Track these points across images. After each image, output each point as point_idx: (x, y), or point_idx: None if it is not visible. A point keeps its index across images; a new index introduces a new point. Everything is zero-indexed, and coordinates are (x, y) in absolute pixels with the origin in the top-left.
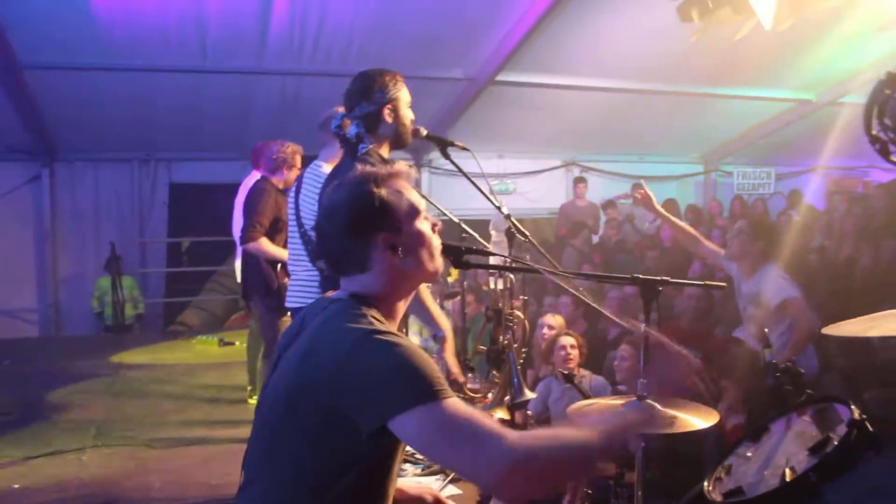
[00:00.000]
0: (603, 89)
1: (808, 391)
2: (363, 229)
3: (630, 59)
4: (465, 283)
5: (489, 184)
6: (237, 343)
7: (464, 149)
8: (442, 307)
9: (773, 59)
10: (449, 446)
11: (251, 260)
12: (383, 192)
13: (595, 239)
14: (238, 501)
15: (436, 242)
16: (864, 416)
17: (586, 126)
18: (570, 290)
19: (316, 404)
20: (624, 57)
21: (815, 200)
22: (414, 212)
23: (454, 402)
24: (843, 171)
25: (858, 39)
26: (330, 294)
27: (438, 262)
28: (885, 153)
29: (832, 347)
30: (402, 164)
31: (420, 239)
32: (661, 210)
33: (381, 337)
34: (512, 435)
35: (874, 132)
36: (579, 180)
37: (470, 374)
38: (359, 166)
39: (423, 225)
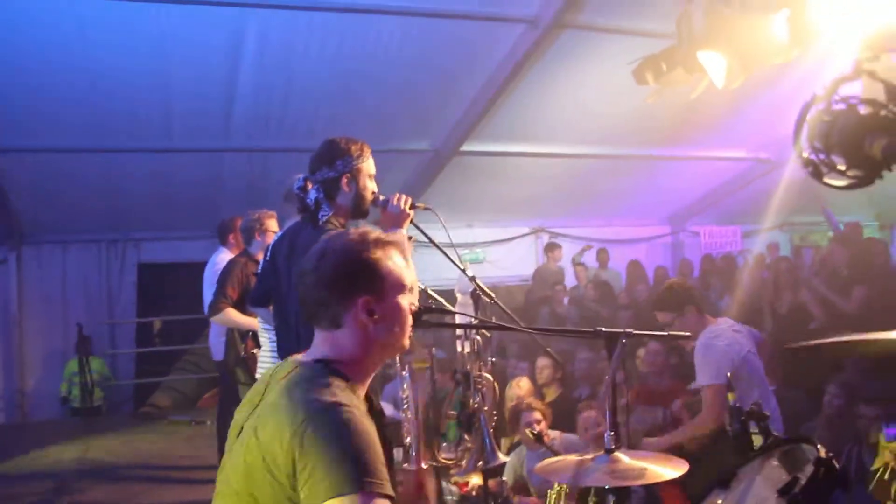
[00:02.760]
0: (566, 155)
1: (775, 434)
2: (346, 287)
3: (591, 124)
4: (433, 349)
5: (458, 253)
6: (208, 422)
7: (426, 208)
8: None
9: (728, 119)
10: None
11: (230, 333)
12: (377, 255)
13: (566, 301)
14: None
15: (409, 321)
16: (831, 455)
17: (552, 192)
18: (542, 343)
19: (269, 474)
20: (585, 122)
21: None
22: (399, 285)
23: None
24: (808, 226)
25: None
26: (297, 357)
27: (407, 339)
28: (817, 175)
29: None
30: (402, 235)
31: (397, 312)
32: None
33: (336, 412)
34: None
35: (805, 155)
36: (554, 247)
37: (444, 443)
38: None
39: (403, 300)
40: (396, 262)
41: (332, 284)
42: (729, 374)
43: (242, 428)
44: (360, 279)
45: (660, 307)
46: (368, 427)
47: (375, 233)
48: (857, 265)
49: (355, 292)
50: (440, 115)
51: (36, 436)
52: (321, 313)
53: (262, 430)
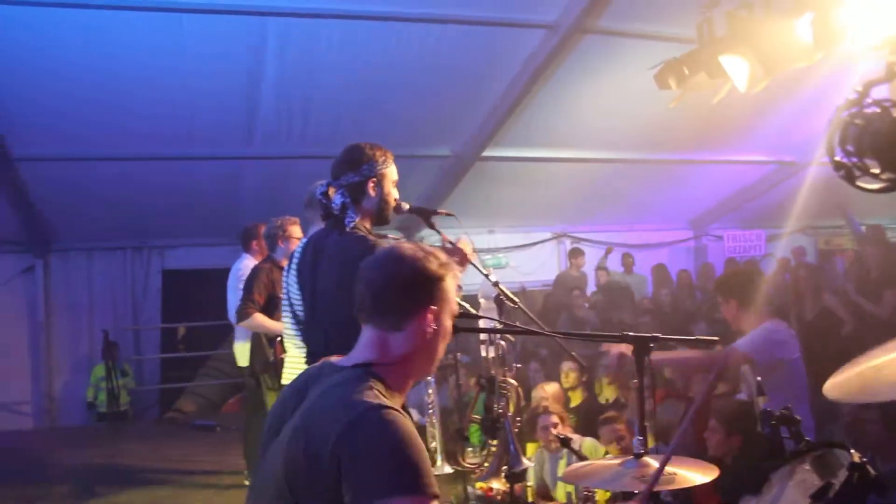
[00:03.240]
0: (588, 160)
1: (807, 438)
2: (419, 294)
3: (612, 129)
4: (457, 355)
5: (481, 258)
6: (233, 428)
7: (448, 214)
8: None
9: (751, 122)
10: None
11: (255, 338)
12: (447, 276)
13: (586, 305)
14: None
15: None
16: (865, 460)
17: (574, 197)
18: (565, 349)
19: (314, 477)
20: (606, 127)
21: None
22: (454, 309)
23: None
24: (833, 229)
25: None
26: (333, 359)
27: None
28: (850, 178)
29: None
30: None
31: (446, 333)
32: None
33: (382, 414)
34: None
35: (837, 158)
36: (577, 252)
37: (469, 448)
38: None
39: (450, 324)
40: (454, 288)
41: (404, 288)
42: (759, 379)
43: (280, 430)
44: (432, 291)
45: (716, 288)
46: (413, 429)
47: (443, 255)
48: (887, 267)
49: (426, 301)
50: (461, 121)
51: (63, 440)
52: (388, 312)
53: (305, 431)
